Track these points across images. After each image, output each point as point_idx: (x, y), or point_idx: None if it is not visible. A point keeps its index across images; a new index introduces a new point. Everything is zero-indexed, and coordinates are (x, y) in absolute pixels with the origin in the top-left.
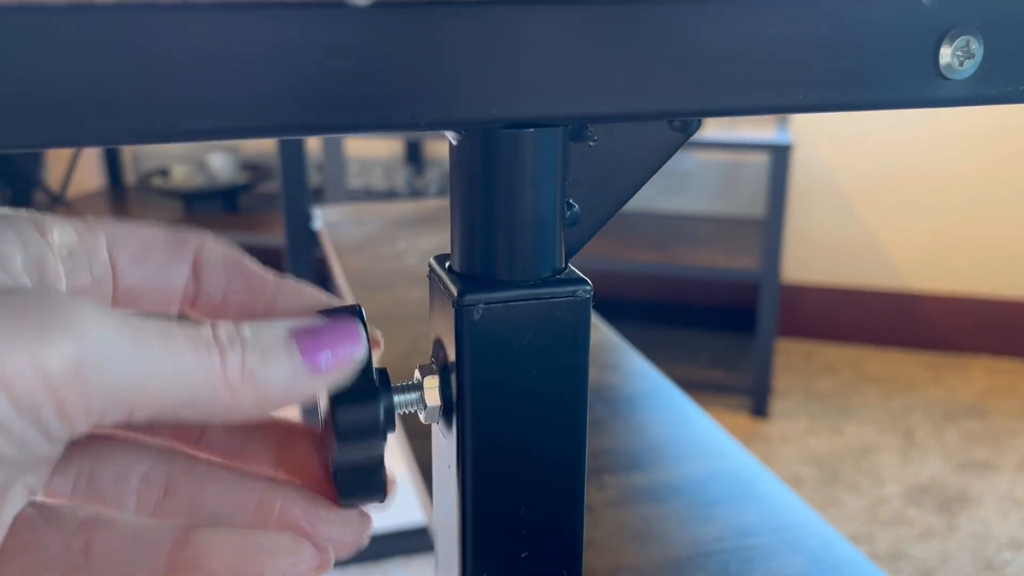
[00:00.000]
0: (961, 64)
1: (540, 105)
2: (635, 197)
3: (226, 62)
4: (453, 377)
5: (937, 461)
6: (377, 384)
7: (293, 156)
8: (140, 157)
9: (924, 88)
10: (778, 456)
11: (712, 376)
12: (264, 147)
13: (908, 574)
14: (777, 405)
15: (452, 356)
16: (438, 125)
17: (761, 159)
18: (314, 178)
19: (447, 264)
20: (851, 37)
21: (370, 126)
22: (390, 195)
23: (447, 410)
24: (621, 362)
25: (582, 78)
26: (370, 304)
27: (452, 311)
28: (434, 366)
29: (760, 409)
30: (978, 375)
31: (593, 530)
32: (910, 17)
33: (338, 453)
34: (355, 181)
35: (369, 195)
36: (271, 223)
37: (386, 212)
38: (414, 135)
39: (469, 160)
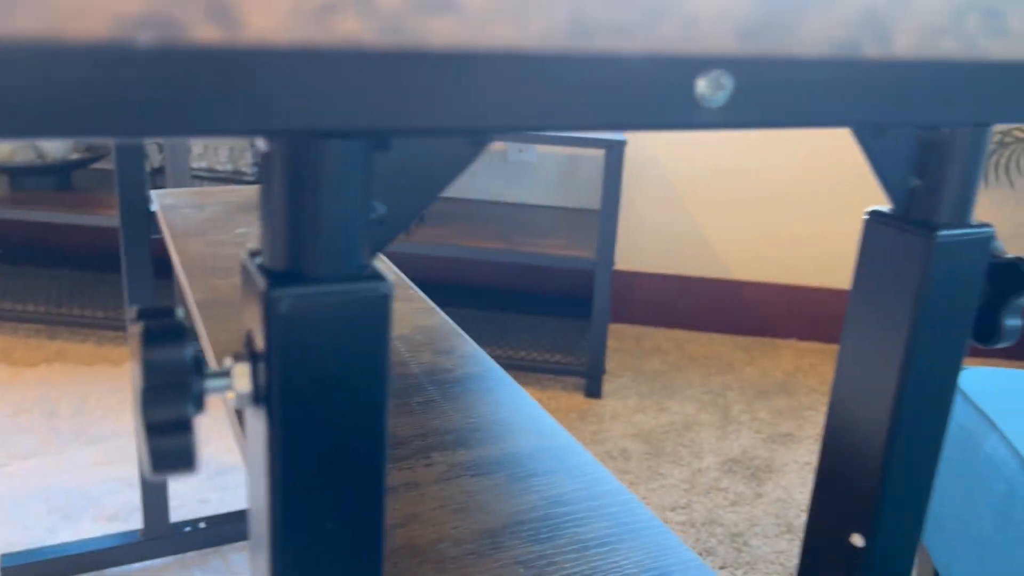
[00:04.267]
0: (714, 94)
1: (344, 117)
2: (480, 186)
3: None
4: (263, 366)
5: (749, 434)
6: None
7: None
8: None
9: (684, 114)
10: (609, 432)
11: (551, 359)
12: None
13: (720, 538)
14: (609, 385)
15: (261, 346)
16: (247, 132)
17: (598, 153)
18: (156, 157)
19: (257, 260)
20: (623, 73)
21: (179, 131)
22: (235, 177)
23: (257, 397)
24: (456, 347)
25: (384, 93)
26: (209, 289)
27: (261, 304)
28: (246, 354)
29: (594, 388)
30: (787, 356)
31: (419, 505)
32: (672, 56)
33: (150, 443)
34: (198, 162)
35: (213, 176)
36: (106, 202)
37: (228, 196)
38: None
39: (277, 166)
